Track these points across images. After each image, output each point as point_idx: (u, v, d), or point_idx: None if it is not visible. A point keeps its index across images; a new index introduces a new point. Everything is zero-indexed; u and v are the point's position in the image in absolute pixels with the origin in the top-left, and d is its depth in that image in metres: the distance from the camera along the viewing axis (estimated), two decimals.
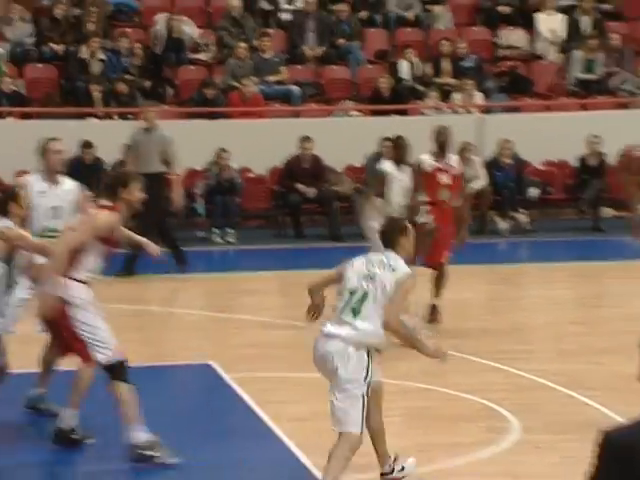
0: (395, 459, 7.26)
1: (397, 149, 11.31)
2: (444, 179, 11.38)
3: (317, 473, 7.40)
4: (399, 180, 11.13)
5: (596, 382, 9.27)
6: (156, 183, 12.53)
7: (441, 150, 11.46)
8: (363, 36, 18.84)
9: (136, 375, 9.75)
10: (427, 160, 11.37)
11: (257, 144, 16.29)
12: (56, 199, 9.08)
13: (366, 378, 6.79)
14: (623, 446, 3.62)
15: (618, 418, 7.62)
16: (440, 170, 11.35)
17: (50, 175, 9.19)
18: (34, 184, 9.16)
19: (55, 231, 8.71)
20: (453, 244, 11.34)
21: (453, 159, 11.58)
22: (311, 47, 18.53)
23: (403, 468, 7.24)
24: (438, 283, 11.26)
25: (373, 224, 10.87)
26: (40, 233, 8.72)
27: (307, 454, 7.74)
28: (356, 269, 6.84)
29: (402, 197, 11.09)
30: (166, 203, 13.68)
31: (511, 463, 7.60)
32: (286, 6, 18.90)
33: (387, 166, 11.29)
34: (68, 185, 9.28)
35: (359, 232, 16.14)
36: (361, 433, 6.82)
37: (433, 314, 11.26)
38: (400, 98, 17.63)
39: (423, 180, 11.34)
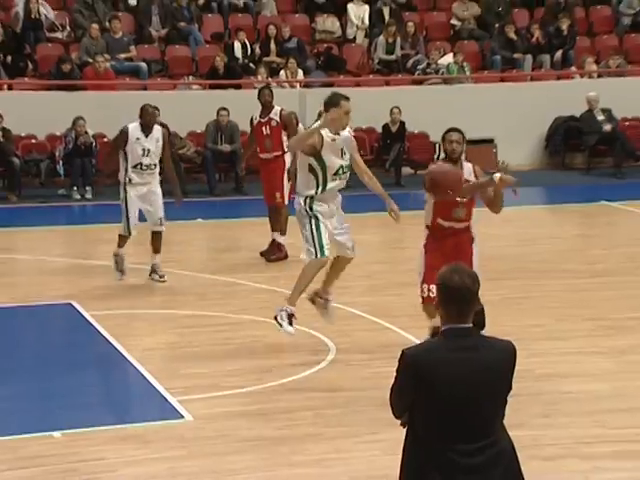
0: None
1: (142, 116, 10.61)
2: (266, 130, 11.68)
3: (166, 394, 7.37)
4: (140, 142, 10.48)
5: (397, 311, 9.48)
6: None
7: (264, 107, 11.78)
8: (201, 20, 18.63)
9: (4, 314, 9.55)
10: (256, 116, 11.82)
11: (110, 113, 15.93)
12: None
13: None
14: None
15: (414, 339, 7.83)
16: (261, 124, 11.72)
17: None
18: None
19: None
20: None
21: (274, 112, 11.76)
22: (156, 29, 18.23)
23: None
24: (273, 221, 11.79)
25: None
26: None
27: (157, 378, 7.69)
28: None
29: (144, 157, 10.52)
30: None
31: (329, 379, 7.74)
32: None
33: (131, 126, 10.57)
34: None
35: (202, 189, 16.12)
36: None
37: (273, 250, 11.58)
38: (234, 74, 17.53)
39: (255, 133, 11.87)
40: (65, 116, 15.56)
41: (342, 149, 8.20)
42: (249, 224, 13.72)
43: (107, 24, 17.51)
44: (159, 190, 10.75)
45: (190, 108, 16.36)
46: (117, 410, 7.19)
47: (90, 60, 16.88)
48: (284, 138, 11.74)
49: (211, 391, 7.42)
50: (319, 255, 8.07)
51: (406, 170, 17.22)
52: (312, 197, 8.13)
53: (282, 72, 17.76)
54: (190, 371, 7.88)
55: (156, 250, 10.78)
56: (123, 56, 17.43)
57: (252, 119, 11.95)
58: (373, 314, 9.36)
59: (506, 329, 8.87)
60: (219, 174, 16.63)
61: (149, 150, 10.53)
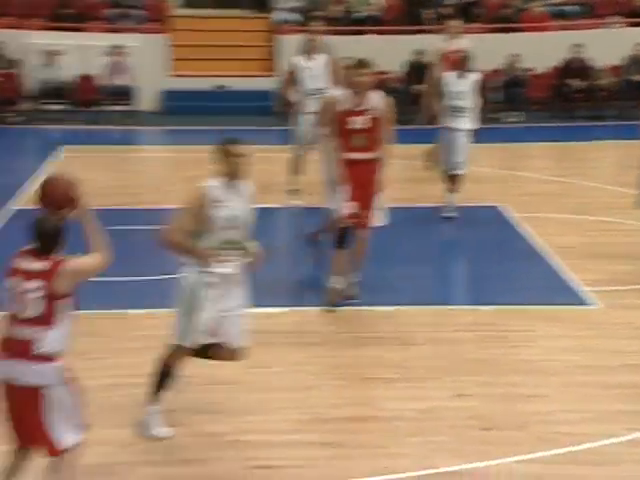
0: None
1: (460, 62, 9.29)
2: None
3: (579, 284, 7.21)
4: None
5: None
6: None
7: None
8: None
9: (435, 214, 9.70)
10: None
11: (541, 50, 15.54)
12: None
13: None
14: None
15: None
16: None
17: None
18: None
19: None
20: None
21: None
22: None
23: None
24: None
25: None
26: None
27: (571, 270, 7.54)
28: None
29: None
30: None
31: None
32: None
33: (449, 76, 9.23)
34: None
35: (617, 114, 15.29)
36: None
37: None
38: None
39: None
40: (504, 53, 15.50)
41: None
42: None
43: None
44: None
45: (610, 44, 15.49)
46: (537, 293, 7.16)
47: (526, 6, 16.53)
48: None
49: (615, 285, 7.16)
50: None
51: None
52: None
53: None
54: (599, 267, 7.64)
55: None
56: (556, 1, 16.81)
57: None
58: None
59: None
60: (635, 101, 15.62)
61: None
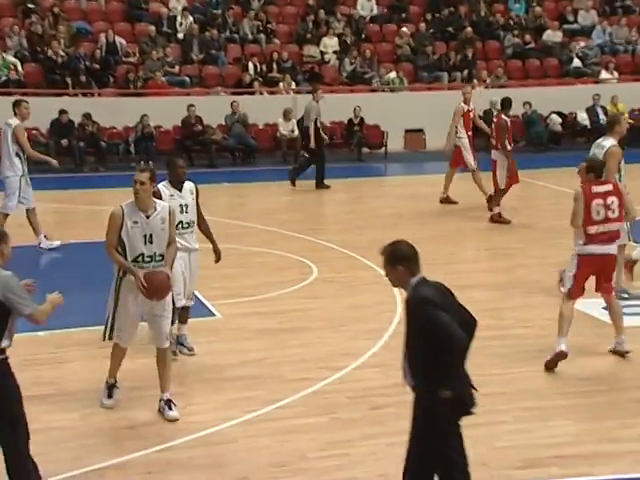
0: None
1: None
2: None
3: (203, 299, 7.28)
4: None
5: (360, 244, 9.37)
6: None
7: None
8: (226, 48, 18.07)
9: None
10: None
11: (165, 111, 15.54)
12: None
13: None
14: None
15: (375, 267, 7.79)
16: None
17: None
18: None
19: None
20: None
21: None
22: (196, 54, 17.74)
23: None
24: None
25: None
26: None
27: (198, 289, 7.54)
28: None
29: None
30: None
31: (313, 291, 7.74)
32: None
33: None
34: None
35: (226, 162, 15.82)
36: None
37: None
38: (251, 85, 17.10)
39: None
40: (136, 114, 15.41)
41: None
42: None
43: (162, 51, 17.11)
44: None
45: (217, 107, 16.17)
46: None
47: (152, 75, 16.57)
48: None
49: (233, 298, 7.41)
50: None
51: (364, 150, 17.14)
52: None
53: (280, 84, 17.44)
54: (218, 285, 7.81)
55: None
56: (175, 71, 17.05)
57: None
58: (343, 247, 9.31)
59: None
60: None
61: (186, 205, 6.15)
